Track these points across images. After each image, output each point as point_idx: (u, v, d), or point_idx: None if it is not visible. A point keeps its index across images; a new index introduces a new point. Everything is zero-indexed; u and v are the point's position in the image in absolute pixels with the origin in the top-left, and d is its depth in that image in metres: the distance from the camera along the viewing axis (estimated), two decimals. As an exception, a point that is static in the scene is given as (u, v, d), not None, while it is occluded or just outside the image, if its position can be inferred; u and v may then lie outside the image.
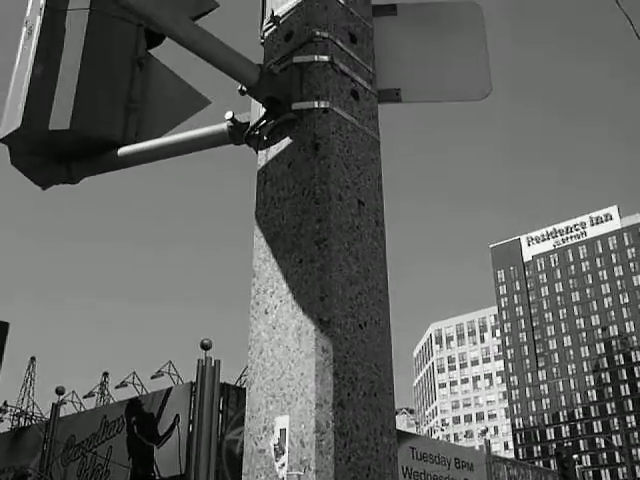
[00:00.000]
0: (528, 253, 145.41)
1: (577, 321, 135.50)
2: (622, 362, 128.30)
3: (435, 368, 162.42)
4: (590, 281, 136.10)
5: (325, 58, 2.35)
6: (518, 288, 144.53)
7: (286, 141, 2.29)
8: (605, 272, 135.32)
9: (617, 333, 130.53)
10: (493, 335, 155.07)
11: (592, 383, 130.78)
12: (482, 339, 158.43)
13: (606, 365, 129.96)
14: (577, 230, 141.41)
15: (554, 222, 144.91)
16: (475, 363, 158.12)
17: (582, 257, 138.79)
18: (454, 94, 2.70)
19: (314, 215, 2.10)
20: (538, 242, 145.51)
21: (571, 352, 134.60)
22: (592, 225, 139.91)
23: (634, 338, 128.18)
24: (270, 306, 2.11)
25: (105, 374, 63.43)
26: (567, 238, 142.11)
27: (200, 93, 3.22)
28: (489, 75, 2.69)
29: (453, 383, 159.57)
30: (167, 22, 2.10)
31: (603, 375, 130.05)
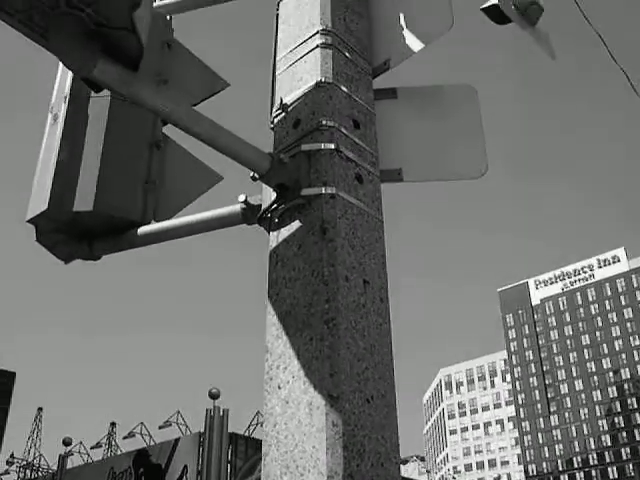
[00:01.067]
0: (536, 296, 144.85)
1: (588, 364, 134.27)
2: (635, 406, 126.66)
3: (445, 414, 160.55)
4: (600, 324, 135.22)
5: (331, 146, 2.53)
6: (527, 332, 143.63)
7: (296, 224, 2.46)
8: (614, 314, 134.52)
9: (629, 376, 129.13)
10: (503, 380, 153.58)
11: (605, 427, 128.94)
12: (492, 384, 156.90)
13: (619, 409, 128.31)
14: (585, 273, 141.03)
15: (562, 265, 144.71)
16: (486, 409, 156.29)
17: (591, 300, 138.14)
18: (453, 173, 2.88)
19: (323, 296, 2.25)
20: (546, 285, 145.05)
21: (583, 396, 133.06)
22: (600, 267, 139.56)
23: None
24: (283, 381, 2.26)
25: (112, 424, 62.94)
26: (575, 281, 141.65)
27: (213, 170, 3.42)
28: (485, 154, 2.87)
29: (464, 429, 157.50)
30: (184, 121, 2.29)
31: (616, 419, 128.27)
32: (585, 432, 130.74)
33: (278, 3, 3.19)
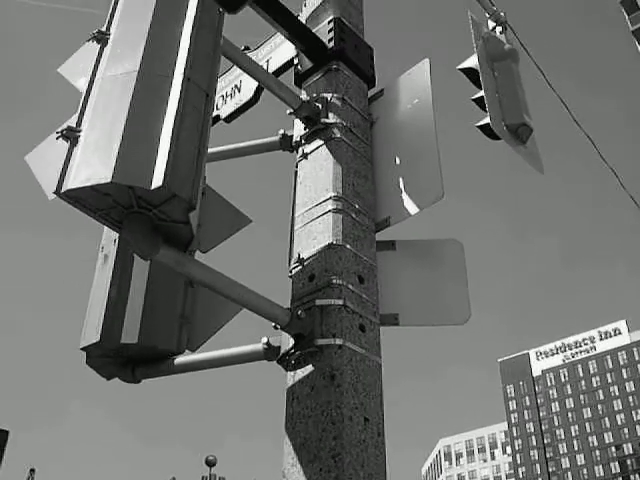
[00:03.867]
0: (537, 368, 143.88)
1: (590, 438, 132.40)
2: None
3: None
4: (602, 397, 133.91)
5: (340, 302, 3.08)
6: (528, 403, 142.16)
7: (309, 368, 2.99)
8: (616, 388, 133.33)
9: (632, 451, 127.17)
10: (504, 452, 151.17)
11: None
12: (492, 456, 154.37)
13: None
14: (586, 345, 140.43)
15: (563, 336, 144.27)
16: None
17: (592, 372, 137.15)
18: (441, 319, 3.42)
19: (331, 433, 2.76)
20: (547, 356, 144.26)
21: (585, 471, 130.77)
22: (601, 339, 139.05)
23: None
24: (297, 504, 2.75)
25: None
26: (576, 353, 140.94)
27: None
28: (468, 303, 3.42)
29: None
30: (224, 289, 2.85)
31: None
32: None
33: (297, 164, 3.79)
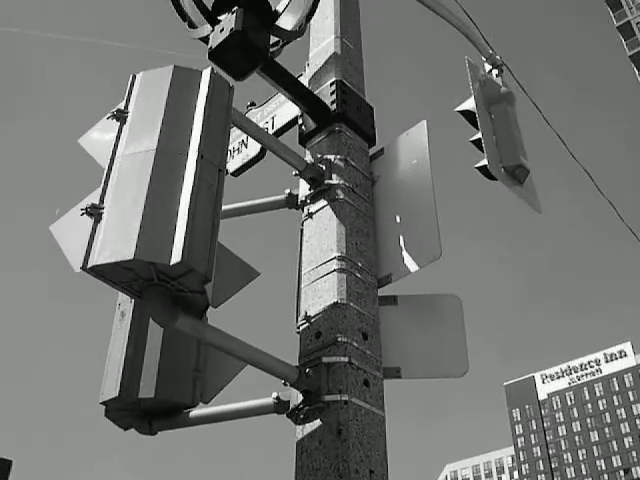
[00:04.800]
0: (543, 391, 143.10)
1: (597, 462, 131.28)
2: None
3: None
4: (609, 420, 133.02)
5: (345, 359, 3.27)
6: (535, 427, 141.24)
7: (317, 422, 3.17)
8: (623, 410, 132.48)
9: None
10: (511, 477, 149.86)
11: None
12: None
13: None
14: (592, 367, 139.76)
15: (568, 359, 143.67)
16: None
17: (599, 395, 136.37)
18: (441, 372, 3.61)
19: (339, 488, 2.94)
20: (553, 380, 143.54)
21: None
22: (607, 362, 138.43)
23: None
24: None
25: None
26: (582, 375, 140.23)
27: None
28: (466, 357, 3.61)
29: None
30: (236, 351, 3.05)
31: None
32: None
33: (302, 222, 4.00)
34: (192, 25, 4.21)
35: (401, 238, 3.84)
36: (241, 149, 5.07)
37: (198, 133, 3.07)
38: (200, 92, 3.26)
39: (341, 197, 3.86)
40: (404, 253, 3.77)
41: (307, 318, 3.53)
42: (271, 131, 4.91)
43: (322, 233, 3.80)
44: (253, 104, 5.35)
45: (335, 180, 3.94)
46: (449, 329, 3.71)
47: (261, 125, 5.07)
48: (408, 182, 4.01)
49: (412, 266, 3.68)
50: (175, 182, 2.89)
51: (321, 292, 3.58)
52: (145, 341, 3.71)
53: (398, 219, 3.93)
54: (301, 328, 3.56)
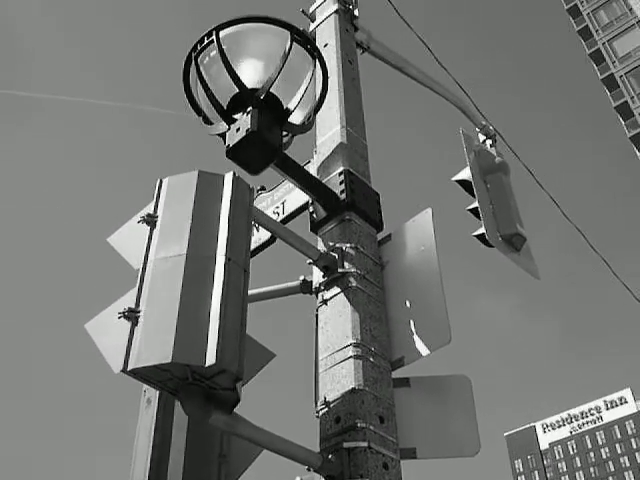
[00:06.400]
0: (544, 440, 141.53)
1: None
2: None
3: None
4: (612, 468, 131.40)
5: (364, 444, 3.46)
6: (537, 478, 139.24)
7: (341, 507, 3.34)
8: (627, 458, 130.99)
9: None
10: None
11: None
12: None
13: None
14: (592, 415, 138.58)
15: (568, 407, 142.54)
16: None
17: (601, 443, 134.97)
18: (453, 451, 3.79)
19: None
20: (554, 428, 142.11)
21: None
22: (607, 409, 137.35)
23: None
24: None
25: None
26: (583, 424, 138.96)
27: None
28: (477, 436, 3.80)
29: None
30: (264, 442, 3.24)
31: None
32: None
33: (317, 308, 4.22)
34: (207, 120, 4.50)
35: (412, 322, 4.06)
36: (253, 233, 5.31)
37: (224, 237, 3.31)
38: (224, 196, 3.52)
39: (354, 284, 4.09)
40: (415, 337, 3.98)
41: (326, 403, 3.73)
42: (282, 216, 5.16)
43: (337, 320, 4.02)
44: (263, 188, 5.62)
45: (347, 267, 4.18)
46: (460, 409, 3.90)
47: (272, 209, 5.34)
48: (416, 268, 4.24)
49: (423, 350, 3.89)
50: (205, 286, 3.12)
51: (339, 378, 3.78)
52: (171, 427, 3.88)
53: (408, 304, 4.15)
54: (320, 413, 3.74)
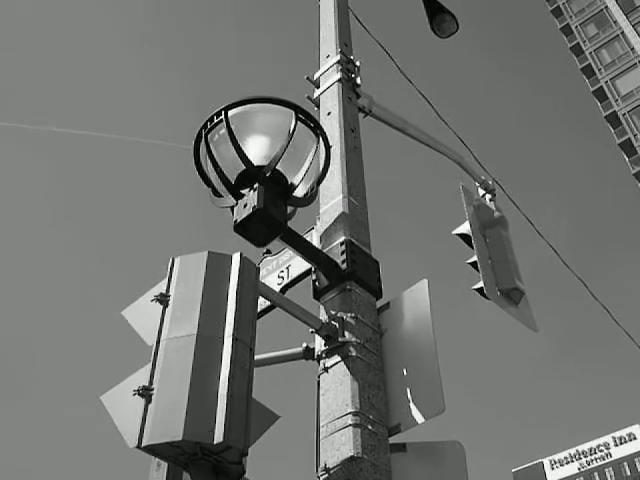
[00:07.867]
0: (553, 477, 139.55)
1: None
2: None
3: None
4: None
5: (362, 511, 3.67)
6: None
7: None
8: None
9: None
10: None
11: None
12: None
13: None
14: (601, 451, 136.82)
15: (576, 443, 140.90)
16: None
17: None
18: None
19: None
20: (562, 465, 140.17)
21: None
22: (616, 445, 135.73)
23: None
24: None
25: None
26: (592, 460, 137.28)
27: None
28: (471, 502, 4.01)
29: None
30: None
31: None
32: None
33: (319, 375, 4.45)
34: (216, 192, 4.79)
35: (408, 390, 4.29)
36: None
37: (231, 317, 3.57)
38: (232, 276, 3.78)
39: (354, 354, 4.33)
40: (411, 405, 4.21)
41: (327, 470, 3.95)
42: (286, 280, 5.42)
43: (337, 388, 4.25)
44: (268, 252, 5.89)
45: (348, 337, 4.43)
46: (453, 473, 4.11)
47: (277, 273, 5.60)
48: (413, 337, 4.48)
49: (419, 418, 4.12)
50: (214, 365, 3.37)
51: (338, 445, 4.00)
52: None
53: (405, 371, 4.39)
54: (321, 479, 3.96)
